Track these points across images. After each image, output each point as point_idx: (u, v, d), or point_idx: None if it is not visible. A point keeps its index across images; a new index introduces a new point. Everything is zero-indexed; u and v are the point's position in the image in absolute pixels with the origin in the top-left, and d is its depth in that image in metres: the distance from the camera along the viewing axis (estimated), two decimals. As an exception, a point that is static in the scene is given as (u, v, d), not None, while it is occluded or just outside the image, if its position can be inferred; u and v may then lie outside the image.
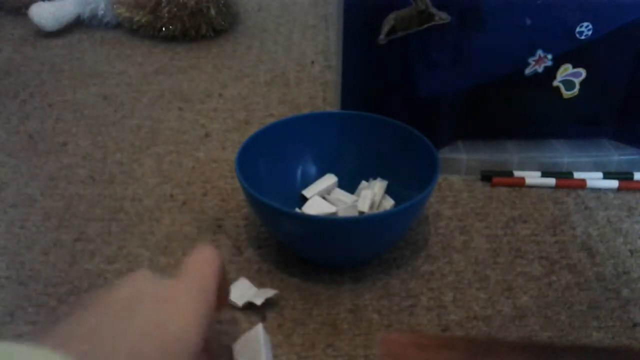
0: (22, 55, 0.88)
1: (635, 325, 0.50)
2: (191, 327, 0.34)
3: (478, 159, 0.65)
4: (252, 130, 0.69)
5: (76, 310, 0.34)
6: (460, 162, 0.65)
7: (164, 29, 0.90)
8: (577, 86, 0.63)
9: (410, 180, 0.55)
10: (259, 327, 0.46)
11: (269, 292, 0.50)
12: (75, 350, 0.30)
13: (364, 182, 0.60)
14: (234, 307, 0.50)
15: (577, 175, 0.65)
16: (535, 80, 0.62)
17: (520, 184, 0.64)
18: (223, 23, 0.92)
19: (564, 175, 0.65)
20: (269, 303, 0.50)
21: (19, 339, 0.34)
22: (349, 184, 0.60)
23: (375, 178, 0.60)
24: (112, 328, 0.32)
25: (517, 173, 0.65)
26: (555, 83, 0.63)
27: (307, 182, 0.60)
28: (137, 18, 0.90)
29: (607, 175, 0.64)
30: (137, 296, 0.35)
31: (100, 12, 0.93)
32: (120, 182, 0.64)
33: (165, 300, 0.35)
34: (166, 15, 0.88)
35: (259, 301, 0.50)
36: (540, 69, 0.62)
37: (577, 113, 0.65)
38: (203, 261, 0.39)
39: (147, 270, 0.38)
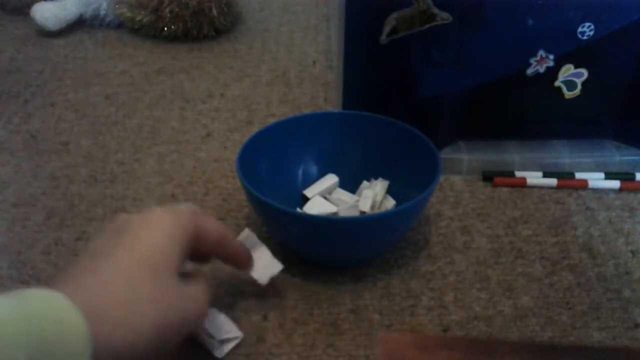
0: (24, 55, 0.88)
1: (636, 325, 0.50)
2: (166, 240, 0.40)
3: (479, 159, 0.65)
4: (254, 130, 0.69)
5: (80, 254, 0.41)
6: (462, 162, 0.65)
7: (165, 28, 0.90)
8: (579, 86, 0.63)
9: (412, 180, 0.55)
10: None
11: (276, 267, 0.49)
12: (79, 290, 0.36)
13: (365, 182, 0.60)
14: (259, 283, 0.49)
15: (579, 175, 0.65)
16: (536, 81, 0.62)
17: (522, 184, 0.64)
18: (225, 23, 0.92)
19: (565, 176, 0.64)
20: (269, 303, 0.50)
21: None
22: (350, 184, 0.60)
23: (376, 178, 0.59)
24: (107, 254, 0.39)
25: (519, 173, 0.65)
26: (557, 83, 0.63)
27: (309, 182, 0.60)
28: (138, 18, 0.90)
29: (609, 176, 0.64)
30: (127, 219, 0.42)
31: (102, 12, 0.93)
32: (121, 182, 0.64)
33: (147, 221, 0.41)
34: (168, 15, 0.88)
35: (264, 280, 0.49)
36: (541, 69, 0.62)
37: (578, 113, 0.65)
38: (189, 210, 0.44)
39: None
